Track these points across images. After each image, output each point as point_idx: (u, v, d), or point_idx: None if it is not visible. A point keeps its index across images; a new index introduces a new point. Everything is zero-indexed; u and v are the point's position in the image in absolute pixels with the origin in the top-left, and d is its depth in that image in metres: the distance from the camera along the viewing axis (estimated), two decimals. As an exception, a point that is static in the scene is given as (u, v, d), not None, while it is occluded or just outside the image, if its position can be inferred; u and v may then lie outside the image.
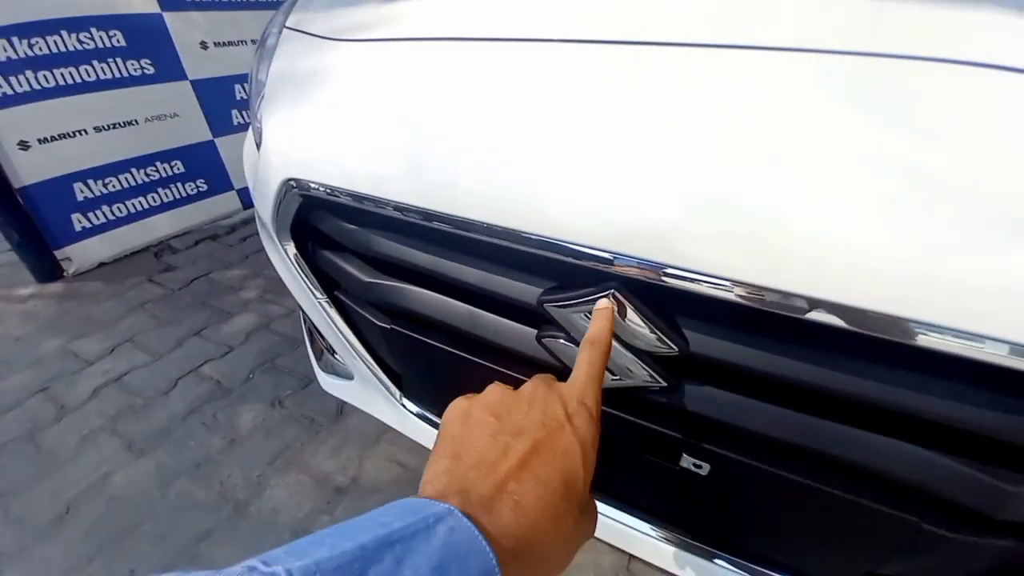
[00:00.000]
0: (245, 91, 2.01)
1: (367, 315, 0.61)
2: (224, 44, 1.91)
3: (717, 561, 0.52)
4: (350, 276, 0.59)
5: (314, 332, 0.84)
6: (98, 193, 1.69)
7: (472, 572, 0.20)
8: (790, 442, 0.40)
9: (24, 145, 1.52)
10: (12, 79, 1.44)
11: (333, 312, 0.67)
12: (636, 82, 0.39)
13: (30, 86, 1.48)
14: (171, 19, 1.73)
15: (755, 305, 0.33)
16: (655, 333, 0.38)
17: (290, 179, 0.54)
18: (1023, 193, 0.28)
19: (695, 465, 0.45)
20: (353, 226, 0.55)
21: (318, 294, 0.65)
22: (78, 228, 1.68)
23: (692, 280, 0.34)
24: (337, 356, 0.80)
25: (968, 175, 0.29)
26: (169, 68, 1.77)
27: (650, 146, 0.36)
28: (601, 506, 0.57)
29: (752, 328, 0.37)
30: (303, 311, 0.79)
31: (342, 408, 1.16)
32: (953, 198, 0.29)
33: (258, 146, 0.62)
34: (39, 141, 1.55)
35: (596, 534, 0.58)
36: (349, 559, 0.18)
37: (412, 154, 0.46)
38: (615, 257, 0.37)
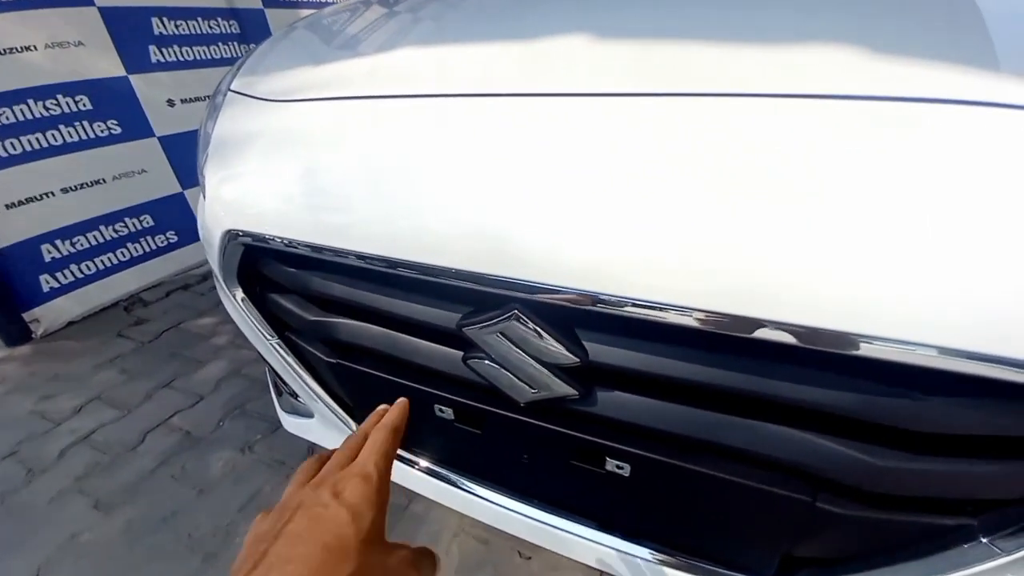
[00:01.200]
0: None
1: (315, 351, 0.64)
2: (191, 100, 1.97)
3: (650, 556, 0.55)
4: (295, 316, 0.63)
5: (273, 374, 0.86)
6: (66, 253, 1.71)
7: None
8: (690, 436, 0.43)
9: (-11, 210, 1.54)
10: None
11: (285, 352, 0.69)
12: (529, 131, 0.44)
13: (-4, 153, 1.52)
14: (137, 81, 1.79)
15: (642, 316, 0.38)
16: (555, 346, 0.42)
17: (231, 229, 0.58)
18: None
19: (617, 467, 0.48)
20: (293, 269, 0.59)
21: (268, 335, 0.68)
22: (46, 289, 1.68)
23: (581, 298, 0.39)
24: (298, 397, 0.82)
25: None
26: (136, 127, 1.83)
27: (547, 188, 0.41)
28: (539, 513, 0.59)
29: (643, 335, 0.42)
30: (261, 355, 0.82)
31: (312, 449, 1.16)
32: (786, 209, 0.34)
33: (204, 196, 0.67)
34: (6, 207, 1.56)
35: (538, 542, 0.60)
36: None
37: (344, 204, 0.50)
38: (514, 282, 0.41)
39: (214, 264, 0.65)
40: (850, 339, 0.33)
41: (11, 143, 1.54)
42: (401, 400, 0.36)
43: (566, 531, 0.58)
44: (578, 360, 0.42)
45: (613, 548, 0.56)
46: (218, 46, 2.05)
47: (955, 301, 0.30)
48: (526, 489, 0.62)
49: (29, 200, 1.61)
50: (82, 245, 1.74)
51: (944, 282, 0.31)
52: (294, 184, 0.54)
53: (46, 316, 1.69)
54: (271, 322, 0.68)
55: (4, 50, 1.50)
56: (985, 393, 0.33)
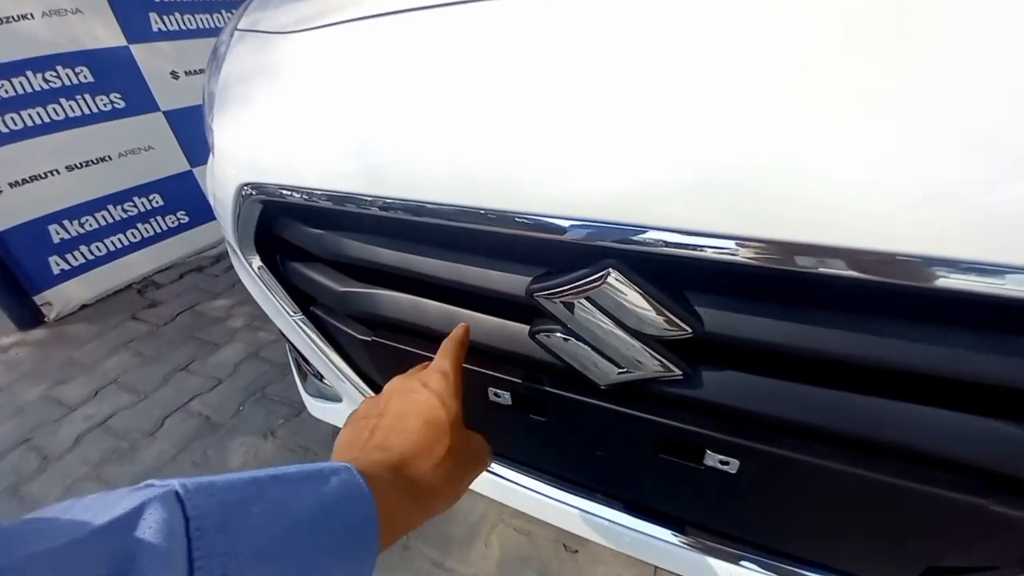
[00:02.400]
0: (221, 118, 1.98)
1: (347, 329, 0.56)
2: (196, 72, 1.87)
3: (750, 567, 0.46)
4: (324, 287, 0.54)
5: (296, 354, 0.78)
6: (75, 234, 1.64)
7: (352, 515, 0.24)
8: (829, 427, 0.34)
9: (-7, 189, 1.47)
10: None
11: (311, 330, 0.61)
12: (596, 37, 0.34)
13: (-4, 129, 1.44)
14: (138, 51, 1.70)
15: (768, 264, 0.28)
16: (663, 315, 0.33)
17: (246, 184, 0.49)
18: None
19: (722, 462, 0.40)
20: (320, 231, 0.50)
21: (292, 311, 0.60)
22: (56, 271, 1.62)
23: (693, 246, 0.29)
24: (324, 379, 0.75)
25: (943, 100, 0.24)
26: (140, 101, 1.74)
27: (623, 103, 0.31)
28: (618, 515, 0.51)
29: (772, 297, 0.32)
30: (283, 333, 0.74)
31: (336, 433, 1.10)
32: (932, 125, 0.24)
33: (212, 152, 0.58)
34: (10, 185, 1.50)
35: (615, 546, 0.52)
36: (240, 485, 0.21)
37: (373, 141, 0.41)
38: (606, 228, 0.32)
39: (228, 229, 0.57)
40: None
41: (11, 118, 1.46)
42: (461, 324, 0.40)
43: (648, 534, 0.50)
44: (691, 331, 0.33)
45: (707, 555, 0.48)
46: (221, 13, 1.94)
47: None
48: (599, 486, 0.54)
49: (33, 179, 1.54)
50: (91, 225, 1.68)
51: None
52: (313, 124, 0.45)
53: (58, 299, 1.64)
54: (294, 295, 0.59)
55: (4, 18, 1.41)
56: None
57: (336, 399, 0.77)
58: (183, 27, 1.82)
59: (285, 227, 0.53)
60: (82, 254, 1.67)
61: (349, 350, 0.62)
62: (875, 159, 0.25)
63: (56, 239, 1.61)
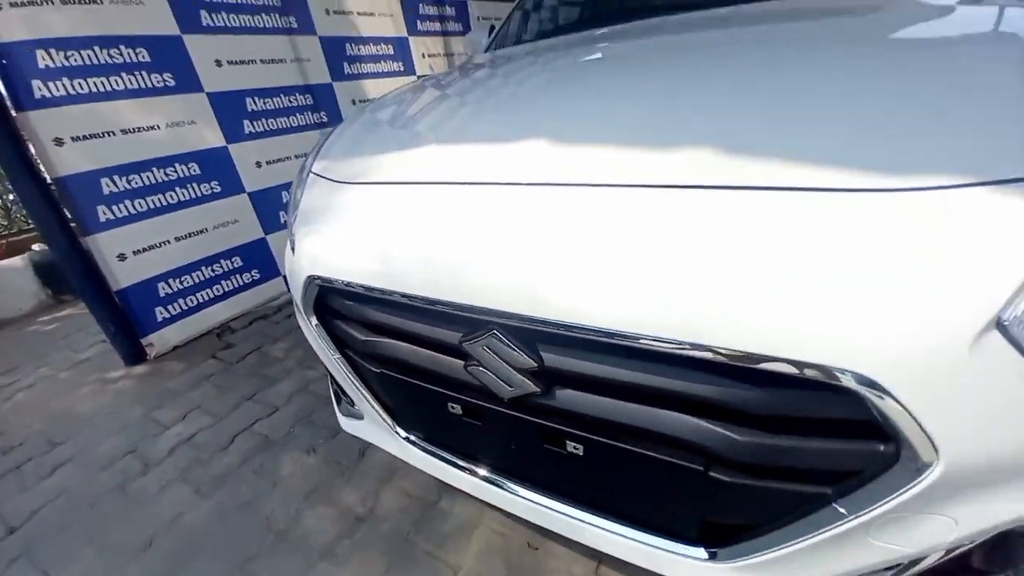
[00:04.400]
0: (287, 196, 2.48)
1: (366, 364, 0.87)
2: (274, 161, 2.39)
3: (606, 525, 0.71)
4: (353, 337, 0.86)
5: (334, 383, 1.10)
6: (176, 289, 2.11)
7: None
8: (618, 423, 0.60)
9: (122, 257, 1.96)
10: (116, 207, 1.90)
11: (344, 366, 0.93)
12: (534, 218, 0.64)
13: (128, 212, 1.94)
14: (234, 148, 2.22)
15: (579, 336, 0.56)
16: (520, 355, 0.61)
17: (311, 275, 0.83)
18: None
19: (574, 448, 0.66)
20: (352, 303, 0.83)
21: (332, 352, 0.91)
22: (159, 319, 2.08)
23: (533, 319, 0.58)
24: (353, 404, 1.05)
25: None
26: (232, 185, 2.25)
27: (520, 251, 0.62)
28: (519, 488, 0.77)
29: (582, 348, 0.60)
30: (327, 369, 1.06)
31: (363, 452, 1.39)
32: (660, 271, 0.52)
33: (292, 250, 0.93)
34: (133, 253, 1.99)
35: (523, 515, 0.77)
36: None
37: (387, 259, 0.73)
38: (493, 311, 0.61)
39: (297, 299, 0.91)
40: (708, 348, 0.49)
41: (139, 202, 1.97)
42: None
43: (543, 506, 0.76)
44: (536, 364, 0.61)
45: (578, 520, 0.73)
46: (295, 116, 2.48)
47: (776, 327, 0.47)
48: (513, 470, 0.80)
49: (151, 248, 2.03)
50: (188, 283, 2.14)
51: (760, 313, 0.47)
52: (353, 245, 0.78)
53: (158, 341, 2.08)
54: (335, 342, 0.91)
55: (135, 129, 1.93)
56: (790, 385, 0.49)
57: (360, 417, 1.06)
58: (267, 128, 2.36)
59: (333, 300, 0.86)
60: (179, 305, 2.13)
61: (367, 379, 0.93)
62: (597, 286, 0.54)
63: (162, 294, 2.07)
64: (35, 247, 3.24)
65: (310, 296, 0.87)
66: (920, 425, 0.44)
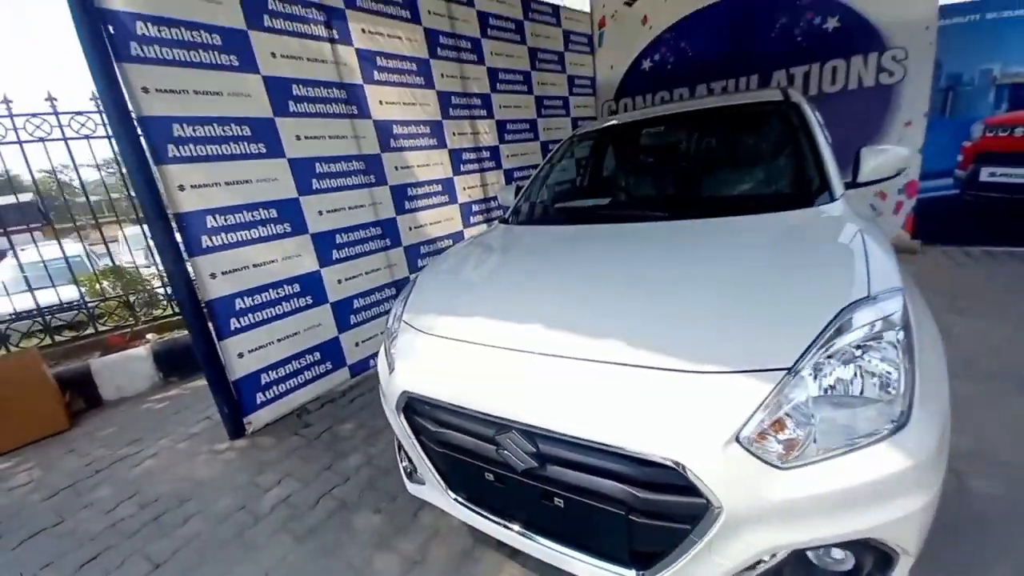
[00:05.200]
0: (356, 303, 3.16)
1: (432, 445, 1.39)
2: (352, 278, 3.11)
3: (573, 553, 1.17)
4: (426, 429, 1.39)
5: (406, 459, 1.61)
6: (273, 378, 2.73)
7: None
8: (579, 487, 1.09)
9: (240, 355, 2.61)
10: (239, 319, 2.59)
11: (418, 446, 1.45)
12: (530, 371, 1.21)
13: (250, 321, 2.62)
14: (326, 273, 2.95)
15: (552, 435, 1.08)
16: (526, 445, 1.13)
17: (404, 390, 1.39)
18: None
19: (558, 502, 1.14)
20: (428, 407, 1.37)
21: (411, 436, 1.44)
22: (258, 402, 2.67)
23: (535, 427, 1.11)
24: (416, 473, 1.56)
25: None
26: (319, 296, 2.94)
27: (524, 388, 1.17)
28: (527, 531, 1.24)
29: (559, 444, 1.11)
30: (401, 447, 1.58)
31: (417, 512, 1.85)
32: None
33: (390, 369, 1.50)
34: (248, 351, 2.64)
35: (500, 537, 1.24)
36: None
37: (451, 386, 1.29)
38: (512, 421, 1.15)
39: (392, 403, 1.46)
40: (616, 447, 1.00)
41: (257, 314, 2.65)
42: None
43: (541, 544, 1.22)
44: (535, 450, 1.12)
45: (560, 553, 1.19)
46: (369, 245, 3.24)
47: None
48: (523, 518, 1.28)
49: (260, 347, 2.68)
50: (281, 372, 2.77)
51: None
52: (432, 374, 1.35)
53: (255, 420, 2.66)
54: (412, 429, 1.45)
55: (256, 265, 2.67)
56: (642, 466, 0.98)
57: (423, 483, 1.56)
58: (347, 255, 3.10)
59: (415, 405, 1.41)
60: (274, 391, 2.73)
61: (432, 457, 1.44)
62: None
63: (263, 382, 2.69)
64: (149, 336, 4.02)
65: (401, 401, 1.42)
66: (709, 488, 0.92)
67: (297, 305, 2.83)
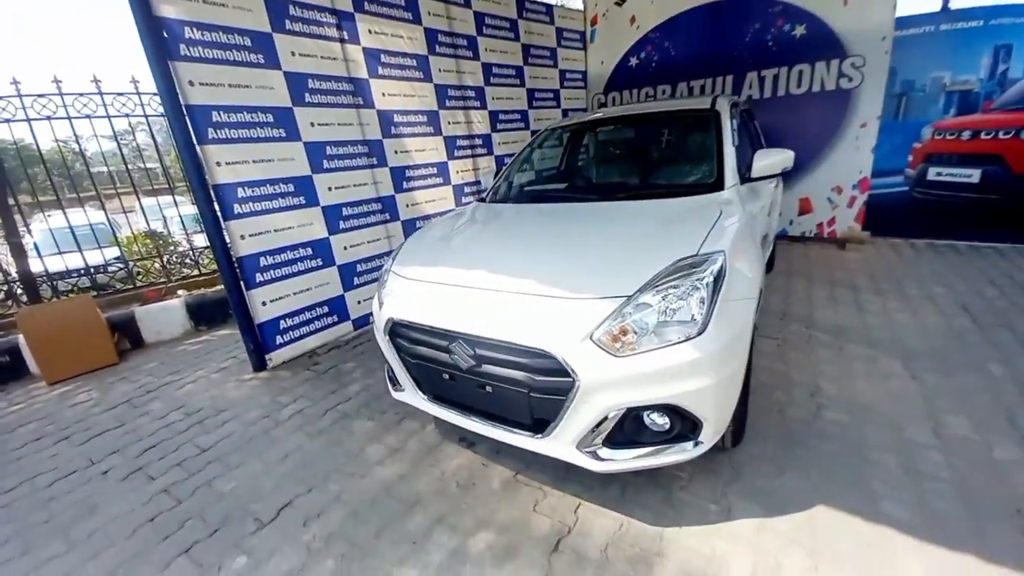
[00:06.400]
0: (359, 267, 3.72)
1: (408, 358, 1.95)
2: (356, 246, 3.65)
3: (497, 425, 1.73)
4: (405, 346, 1.94)
5: (390, 373, 2.17)
6: (290, 324, 3.31)
7: None
8: (501, 376, 1.64)
9: (264, 304, 3.18)
10: (263, 274, 3.14)
11: (397, 358, 2.00)
12: (476, 300, 1.75)
13: (272, 276, 3.18)
14: (334, 240, 3.50)
15: (484, 340, 1.63)
16: (468, 349, 1.68)
17: (390, 317, 1.94)
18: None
19: (487, 387, 1.69)
20: (406, 328, 1.92)
21: (393, 353, 2.00)
22: (278, 343, 3.26)
23: (473, 335, 1.66)
24: (398, 384, 2.12)
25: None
26: (328, 259, 3.50)
27: (470, 311, 1.71)
28: (471, 416, 1.82)
29: (487, 346, 1.66)
30: (387, 364, 2.14)
31: (400, 421, 2.43)
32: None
33: (380, 305, 2.05)
34: (270, 301, 3.21)
35: (454, 421, 1.81)
36: None
37: (423, 312, 1.84)
38: (456, 332, 1.70)
39: (380, 327, 2.01)
40: (517, 344, 1.55)
41: (273, 272, 3.21)
42: None
43: (477, 421, 1.79)
44: (474, 352, 1.67)
45: (491, 426, 1.75)
46: (372, 217, 3.78)
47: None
48: (467, 404, 1.83)
49: (279, 298, 3.25)
50: (296, 320, 3.34)
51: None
52: (411, 305, 1.90)
53: (276, 357, 3.24)
54: (395, 348, 2.00)
55: (277, 230, 3.22)
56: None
57: (403, 390, 2.12)
58: (353, 226, 3.64)
59: (397, 328, 1.97)
60: (290, 334, 3.31)
61: (407, 366, 1.99)
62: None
63: (282, 327, 3.27)
64: (180, 292, 4.62)
65: (387, 326, 1.97)
66: (572, 368, 1.47)
67: (310, 266, 3.38)
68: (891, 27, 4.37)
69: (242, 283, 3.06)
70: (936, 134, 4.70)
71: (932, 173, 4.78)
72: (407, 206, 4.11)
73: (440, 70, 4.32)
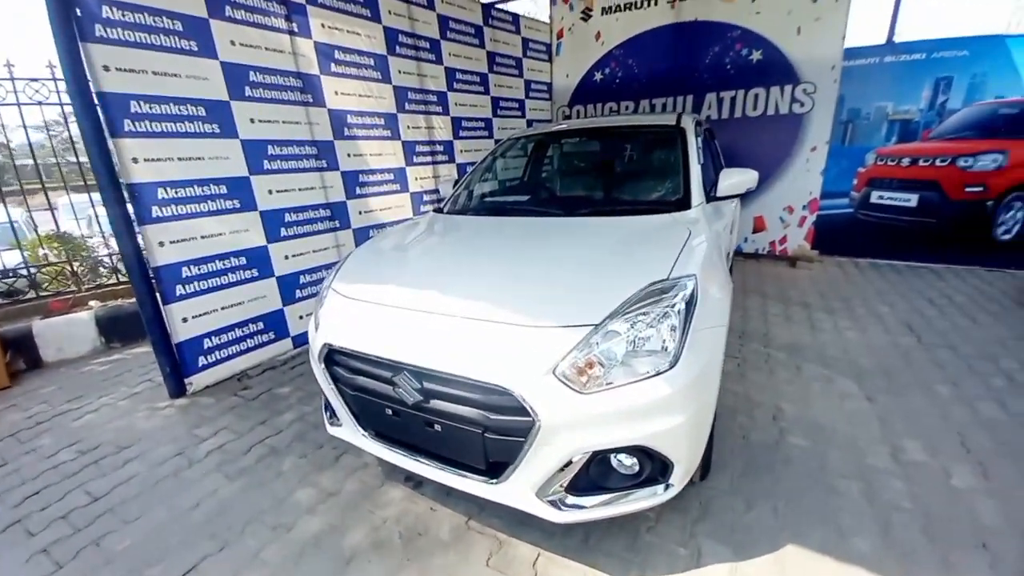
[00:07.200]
0: (302, 279, 3.39)
1: (347, 389, 1.69)
2: (299, 255, 3.33)
3: (448, 469, 1.51)
4: (342, 376, 1.69)
5: (327, 406, 1.90)
6: (216, 343, 2.93)
7: None
8: (452, 414, 1.43)
9: (184, 320, 2.80)
10: (184, 286, 2.77)
11: (335, 390, 1.74)
12: (427, 321, 1.53)
13: (196, 288, 2.81)
14: (273, 249, 3.16)
15: (434, 374, 1.41)
16: (414, 383, 1.46)
17: (326, 342, 1.68)
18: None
19: (435, 426, 1.47)
20: (344, 356, 1.67)
21: (329, 384, 1.74)
22: (200, 365, 2.87)
23: (420, 367, 1.44)
24: (336, 418, 1.85)
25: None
26: (265, 270, 3.15)
27: (416, 339, 1.49)
28: (417, 456, 1.58)
29: (436, 379, 1.44)
30: (324, 395, 1.87)
31: (339, 457, 2.15)
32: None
33: (316, 328, 1.79)
34: (192, 317, 2.83)
35: (398, 463, 1.57)
36: None
37: (363, 339, 1.60)
38: (402, 363, 1.47)
39: (314, 354, 1.75)
40: (471, 379, 1.34)
41: (198, 283, 2.84)
42: None
43: (423, 462, 1.55)
44: (420, 386, 1.45)
45: (440, 470, 1.52)
46: (318, 225, 3.46)
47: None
48: (413, 443, 1.60)
49: (204, 314, 2.88)
50: (224, 338, 2.97)
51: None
52: (347, 331, 1.65)
53: (196, 381, 2.85)
54: (332, 377, 1.74)
55: (204, 236, 2.86)
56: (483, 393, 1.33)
57: (339, 425, 1.86)
58: (296, 233, 3.32)
59: (333, 354, 1.71)
60: (216, 355, 2.93)
61: (346, 398, 1.73)
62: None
63: (206, 346, 2.89)
64: (92, 303, 4.07)
65: (323, 352, 1.71)
66: (532, 407, 1.28)
67: (243, 277, 3.03)
68: (840, 57, 4.55)
69: (158, 296, 2.68)
70: (879, 160, 4.95)
71: (875, 196, 5.02)
72: (360, 213, 3.83)
73: (400, 71, 4.09)
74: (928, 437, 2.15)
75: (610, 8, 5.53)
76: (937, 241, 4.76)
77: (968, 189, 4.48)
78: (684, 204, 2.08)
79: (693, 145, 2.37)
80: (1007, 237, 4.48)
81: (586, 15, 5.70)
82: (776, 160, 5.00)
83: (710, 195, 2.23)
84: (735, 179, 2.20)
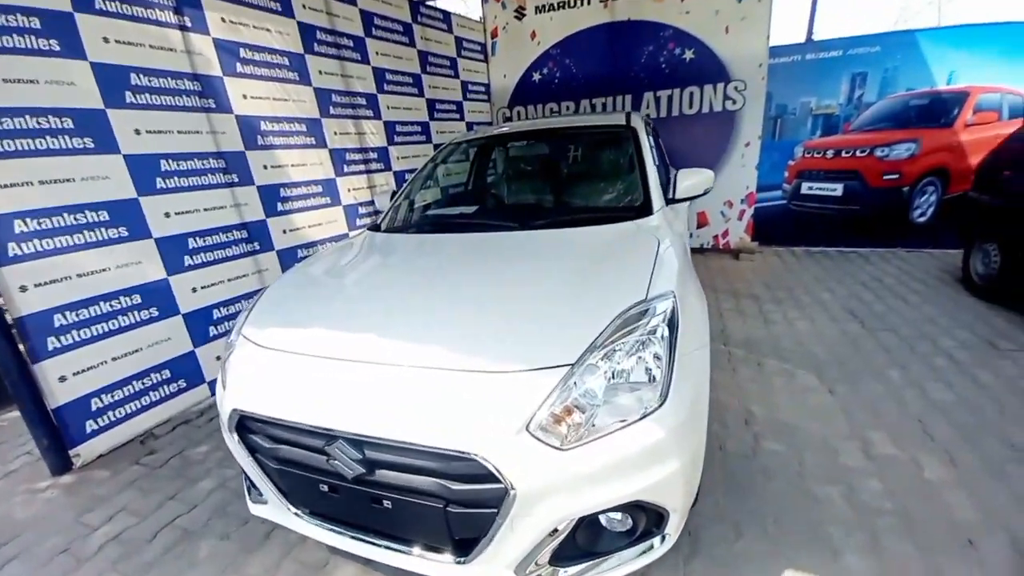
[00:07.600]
0: (216, 313, 2.92)
1: (268, 462, 1.35)
2: (210, 286, 2.86)
3: (403, 549, 1.23)
4: (260, 445, 1.35)
5: (247, 479, 1.54)
6: (108, 402, 2.41)
7: None
8: (403, 487, 1.15)
9: (62, 379, 2.27)
10: (59, 337, 2.25)
11: (254, 464, 1.40)
12: (358, 375, 1.23)
13: (75, 339, 2.30)
14: (175, 281, 2.68)
15: (375, 441, 1.12)
16: (353, 453, 1.16)
17: (235, 408, 1.34)
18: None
19: (384, 502, 1.18)
20: (260, 423, 1.34)
21: (246, 456, 1.39)
22: (89, 431, 2.35)
23: (360, 435, 1.14)
24: (259, 491, 1.50)
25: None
26: (168, 307, 2.66)
27: (350, 400, 1.19)
28: (362, 536, 1.27)
29: (381, 450, 1.16)
30: (242, 467, 1.51)
31: (268, 534, 1.78)
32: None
33: (224, 387, 1.43)
34: (73, 374, 2.31)
35: (341, 545, 1.27)
36: None
37: (284, 402, 1.27)
38: (337, 432, 1.17)
39: (223, 422, 1.39)
40: (429, 447, 1.07)
41: (77, 333, 2.33)
42: None
43: (373, 544, 1.26)
44: (362, 457, 1.16)
45: (393, 550, 1.24)
46: (231, 250, 3.00)
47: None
48: (359, 521, 1.30)
49: (88, 368, 2.36)
50: (119, 396, 2.46)
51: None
52: (262, 392, 1.32)
53: (85, 452, 2.33)
54: (248, 447, 1.39)
55: (81, 275, 2.35)
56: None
57: (264, 502, 1.51)
58: (203, 261, 2.85)
59: (246, 421, 1.36)
60: (109, 417, 2.42)
61: (270, 474, 1.40)
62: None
63: (94, 408, 2.37)
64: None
65: (233, 420, 1.36)
66: (504, 475, 1.03)
67: (138, 318, 2.53)
68: (766, 55, 4.70)
69: (24, 353, 2.15)
70: (806, 152, 5.18)
71: (804, 187, 5.26)
72: (284, 232, 3.39)
73: (321, 72, 3.68)
74: (891, 427, 2.17)
75: (544, 7, 5.39)
76: (862, 227, 5.04)
77: (886, 177, 4.78)
78: (646, 210, 1.92)
79: (646, 145, 2.23)
80: (922, 219, 4.83)
81: (520, 14, 5.54)
82: (714, 156, 5.09)
83: (668, 198, 2.10)
84: (693, 180, 2.08)
